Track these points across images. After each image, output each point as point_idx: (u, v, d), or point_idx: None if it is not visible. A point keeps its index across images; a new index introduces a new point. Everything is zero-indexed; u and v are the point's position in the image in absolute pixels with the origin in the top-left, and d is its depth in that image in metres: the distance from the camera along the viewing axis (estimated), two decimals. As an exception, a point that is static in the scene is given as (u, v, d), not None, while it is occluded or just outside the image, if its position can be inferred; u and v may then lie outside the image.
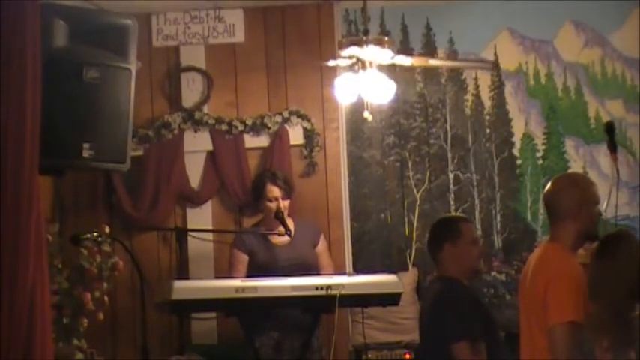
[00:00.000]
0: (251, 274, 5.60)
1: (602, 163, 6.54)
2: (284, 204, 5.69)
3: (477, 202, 6.63)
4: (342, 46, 5.61)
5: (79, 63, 4.61)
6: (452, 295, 4.43)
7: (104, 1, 5.78)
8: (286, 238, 5.66)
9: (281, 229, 5.62)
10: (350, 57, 5.49)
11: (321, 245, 5.84)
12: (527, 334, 3.85)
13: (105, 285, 5.48)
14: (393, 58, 5.50)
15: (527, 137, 6.68)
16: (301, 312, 5.43)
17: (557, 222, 3.86)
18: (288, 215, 5.72)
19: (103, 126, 4.71)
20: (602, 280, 3.46)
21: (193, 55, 6.50)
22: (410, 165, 6.67)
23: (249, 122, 6.42)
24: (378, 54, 5.46)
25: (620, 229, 3.96)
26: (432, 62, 6.27)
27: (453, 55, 6.66)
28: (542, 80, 6.72)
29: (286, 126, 6.40)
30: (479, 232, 6.36)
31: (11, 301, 3.19)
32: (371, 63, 5.46)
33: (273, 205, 5.67)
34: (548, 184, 4.06)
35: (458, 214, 6.32)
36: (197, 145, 6.43)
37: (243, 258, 5.69)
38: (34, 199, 3.28)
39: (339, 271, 6.11)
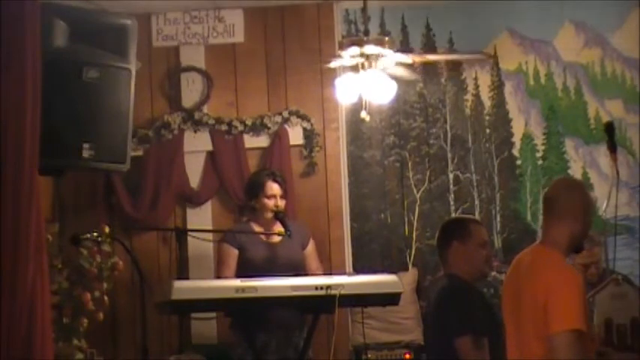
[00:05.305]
0: (241, 270, 5.60)
1: (602, 163, 6.54)
2: (282, 203, 5.69)
3: (476, 202, 6.63)
4: (342, 46, 5.62)
5: (79, 63, 4.61)
6: (457, 291, 4.47)
7: (104, 1, 5.78)
8: (278, 236, 5.67)
9: (280, 228, 5.62)
10: (354, 56, 5.49)
11: (310, 247, 5.83)
12: (516, 340, 3.77)
13: (105, 285, 5.49)
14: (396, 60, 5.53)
15: (527, 137, 6.68)
16: (288, 312, 5.44)
17: (554, 222, 3.79)
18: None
19: (103, 126, 4.71)
20: None
21: (193, 55, 6.50)
22: (410, 165, 6.67)
23: (249, 122, 6.42)
24: (382, 57, 5.48)
25: None
26: (430, 57, 6.28)
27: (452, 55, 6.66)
28: (542, 80, 6.72)
29: (286, 126, 6.40)
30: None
31: (11, 301, 3.19)
32: (376, 57, 5.46)
33: (271, 203, 5.66)
34: (551, 184, 4.05)
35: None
36: (197, 145, 6.43)
37: (234, 253, 5.67)
38: (34, 199, 3.28)
39: (339, 270, 6.13)
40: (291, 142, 6.39)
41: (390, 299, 5.17)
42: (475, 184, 6.65)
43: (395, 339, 6.18)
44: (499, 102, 6.71)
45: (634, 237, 6.44)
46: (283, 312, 5.43)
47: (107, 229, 5.54)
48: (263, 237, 5.71)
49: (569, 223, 3.76)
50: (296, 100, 6.44)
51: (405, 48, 6.48)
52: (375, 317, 6.08)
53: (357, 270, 6.33)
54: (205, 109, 6.48)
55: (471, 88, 6.72)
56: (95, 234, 5.26)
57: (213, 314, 6.04)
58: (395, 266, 6.47)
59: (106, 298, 5.50)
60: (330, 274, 5.84)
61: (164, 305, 4.95)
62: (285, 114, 6.41)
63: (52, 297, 4.81)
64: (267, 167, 6.19)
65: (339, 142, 6.49)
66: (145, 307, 4.81)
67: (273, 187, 5.69)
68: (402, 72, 5.71)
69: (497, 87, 6.71)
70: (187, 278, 5.86)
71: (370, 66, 5.50)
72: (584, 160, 6.64)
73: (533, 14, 6.62)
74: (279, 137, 6.38)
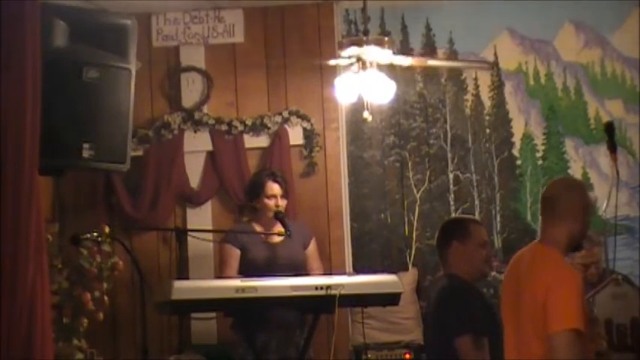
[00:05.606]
0: (242, 270, 5.61)
1: (602, 163, 6.54)
2: (282, 203, 5.70)
3: (476, 202, 6.63)
4: (342, 46, 5.62)
5: (79, 63, 4.62)
6: (457, 291, 4.47)
7: (104, 1, 5.78)
8: (279, 236, 5.68)
9: (280, 228, 5.62)
10: (350, 57, 5.49)
11: (312, 247, 5.83)
12: (514, 340, 3.77)
13: (105, 285, 5.49)
14: (393, 54, 5.52)
15: (527, 137, 6.68)
16: (288, 312, 5.44)
17: (554, 222, 3.78)
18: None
19: (103, 126, 4.72)
20: None
21: (193, 55, 6.50)
22: (410, 165, 6.67)
23: (249, 122, 6.42)
24: (378, 53, 5.47)
25: None
26: (431, 63, 6.27)
27: (452, 55, 6.65)
28: (542, 80, 6.71)
29: (286, 126, 6.40)
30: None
31: (11, 301, 3.19)
32: (372, 63, 5.46)
33: (271, 203, 5.67)
34: (549, 184, 4.04)
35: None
36: (197, 145, 6.43)
37: (236, 253, 5.68)
38: (34, 199, 3.28)
39: (339, 270, 6.13)
40: (291, 142, 6.39)
41: (390, 299, 5.17)
42: (475, 184, 6.65)
43: (395, 339, 6.17)
44: (499, 102, 6.70)
45: (634, 237, 6.44)
46: (283, 312, 5.44)
47: (107, 229, 5.54)
48: (264, 237, 5.71)
49: (569, 223, 3.75)
50: (296, 100, 6.44)
51: (405, 49, 6.48)
52: (375, 317, 6.08)
53: (357, 270, 6.33)
54: (205, 109, 6.48)
55: (471, 88, 6.72)
56: (95, 234, 5.26)
57: (213, 314, 6.04)
58: (395, 266, 6.46)
59: (106, 298, 5.50)
60: (330, 274, 5.84)
61: (164, 305, 4.96)
62: (285, 114, 6.41)
63: (52, 297, 4.81)
64: (267, 167, 6.19)
65: (339, 142, 6.49)
66: (145, 307, 4.82)
67: (274, 188, 5.70)
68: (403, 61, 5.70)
69: (497, 87, 6.70)
70: (187, 278, 5.86)
71: (370, 66, 5.50)
72: (584, 160, 6.64)
73: (533, 14, 6.62)
74: (279, 137, 6.38)
